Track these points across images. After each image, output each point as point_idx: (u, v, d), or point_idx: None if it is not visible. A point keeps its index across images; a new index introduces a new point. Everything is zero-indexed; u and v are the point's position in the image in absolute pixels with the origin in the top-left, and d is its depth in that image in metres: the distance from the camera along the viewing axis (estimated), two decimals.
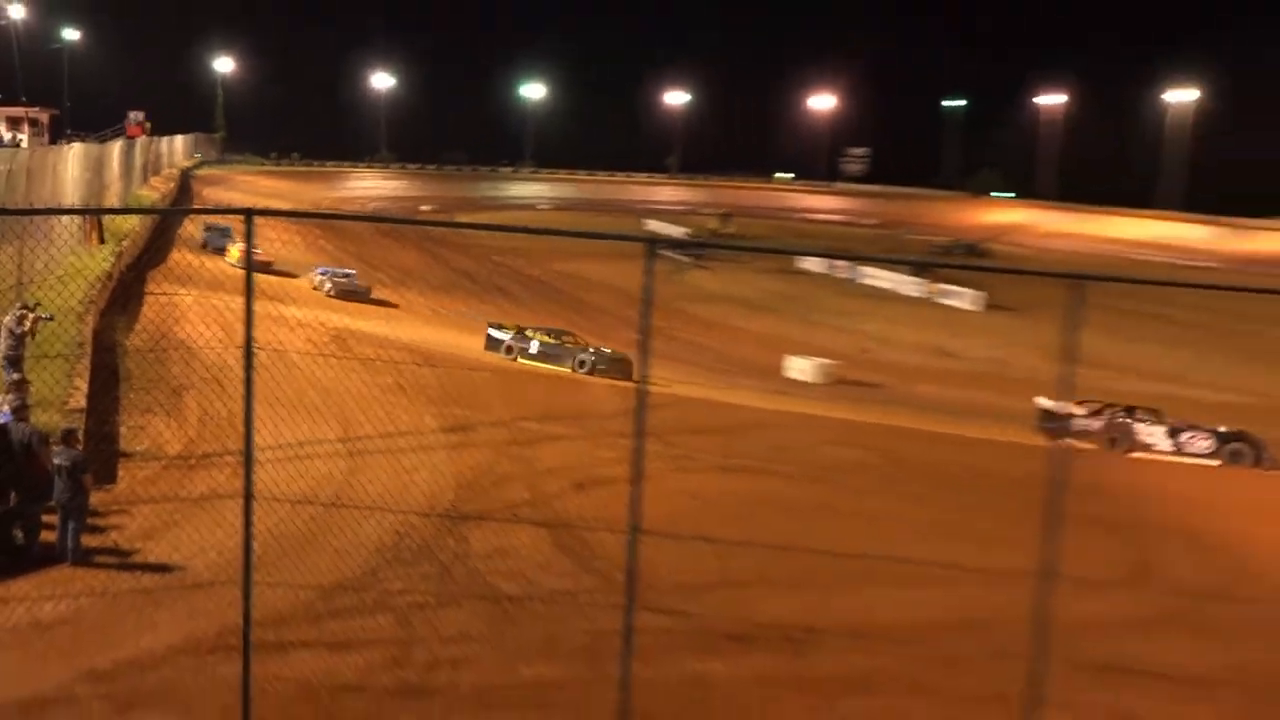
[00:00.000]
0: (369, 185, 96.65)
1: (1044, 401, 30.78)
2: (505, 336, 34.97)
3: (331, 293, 41.99)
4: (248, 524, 7.13)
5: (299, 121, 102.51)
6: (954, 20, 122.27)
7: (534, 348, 34.22)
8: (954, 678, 12.25)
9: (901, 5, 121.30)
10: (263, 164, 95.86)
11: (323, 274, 43.81)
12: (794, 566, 14.89)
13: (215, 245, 43.79)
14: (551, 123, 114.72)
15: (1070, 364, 6.39)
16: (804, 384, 37.64)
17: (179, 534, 14.23)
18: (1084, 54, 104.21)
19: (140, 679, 10.41)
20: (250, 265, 7.38)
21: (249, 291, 7.21)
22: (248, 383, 7.15)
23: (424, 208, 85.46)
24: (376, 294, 43.87)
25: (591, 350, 33.78)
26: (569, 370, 32.88)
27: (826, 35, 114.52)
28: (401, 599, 13.20)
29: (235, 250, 41.50)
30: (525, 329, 35.58)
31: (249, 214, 7.25)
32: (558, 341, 34.47)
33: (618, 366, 32.39)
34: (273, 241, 43.66)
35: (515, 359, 34.09)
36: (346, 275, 44.11)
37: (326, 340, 28.62)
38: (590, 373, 32.50)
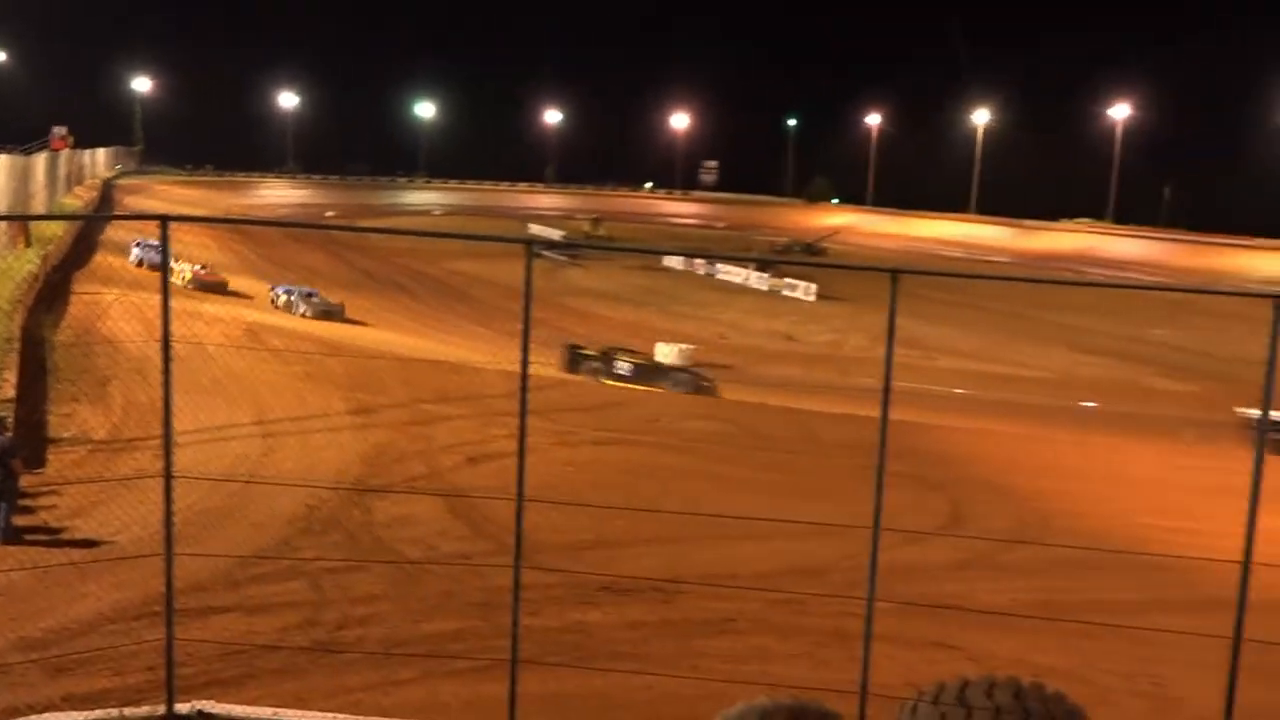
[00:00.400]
0: (278, 194, 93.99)
1: (1251, 412, 24.92)
2: (590, 358, 32.11)
3: (308, 314, 35.84)
4: (168, 499, 6.80)
5: (212, 135, 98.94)
6: (791, 49, 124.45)
7: (623, 369, 31.27)
8: (801, 618, 12.43)
9: (746, 36, 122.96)
10: (178, 175, 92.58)
11: (286, 293, 37.49)
12: (661, 526, 14.94)
13: (150, 261, 36.08)
14: (443, 137, 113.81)
15: (892, 346, 6.43)
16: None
17: (105, 512, 13.74)
18: (901, 78, 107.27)
19: (71, 645, 9.99)
20: (166, 266, 7.01)
21: (165, 287, 6.87)
22: (166, 371, 6.82)
23: (328, 214, 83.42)
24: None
25: (683, 371, 31.85)
26: (663, 389, 30.32)
27: (682, 63, 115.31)
28: (313, 565, 12.90)
29: (187, 271, 35.75)
30: (606, 351, 32.56)
31: (164, 220, 6.88)
32: (649, 362, 31.92)
33: (707, 386, 31.15)
34: (189, 245, 42.01)
35: (600, 380, 31.08)
36: (312, 293, 37.54)
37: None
38: (689, 392, 30.38)
